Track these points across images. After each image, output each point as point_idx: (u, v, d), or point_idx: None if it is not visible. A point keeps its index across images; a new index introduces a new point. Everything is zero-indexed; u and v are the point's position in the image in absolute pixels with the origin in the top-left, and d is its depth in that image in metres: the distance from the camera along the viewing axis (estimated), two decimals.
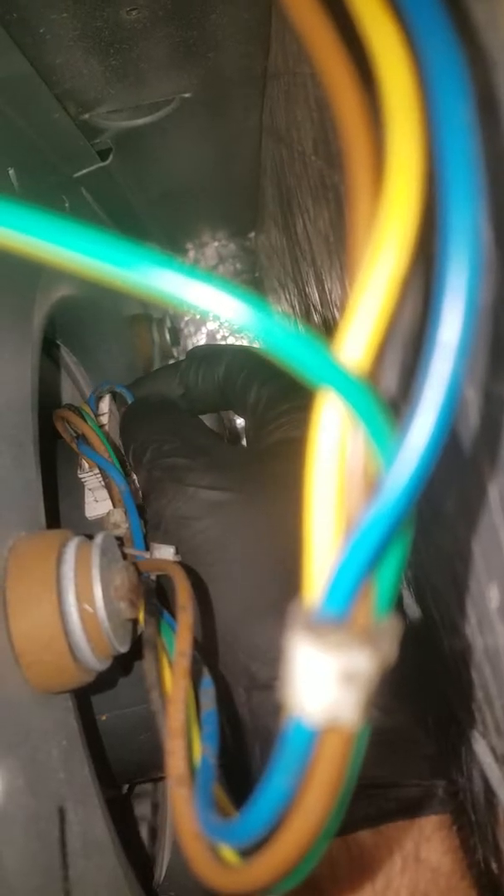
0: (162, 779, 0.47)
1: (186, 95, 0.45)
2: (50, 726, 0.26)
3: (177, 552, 0.30)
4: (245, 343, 0.40)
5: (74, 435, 0.38)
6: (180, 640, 0.22)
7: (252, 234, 0.88)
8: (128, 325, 0.62)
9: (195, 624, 0.22)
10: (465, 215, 0.12)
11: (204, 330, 0.92)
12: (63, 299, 0.44)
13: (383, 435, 0.11)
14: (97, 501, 0.41)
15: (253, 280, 0.90)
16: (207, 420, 0.48)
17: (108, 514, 0.33)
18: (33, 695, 0.25)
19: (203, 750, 0.20)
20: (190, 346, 0.90)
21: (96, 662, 0.26)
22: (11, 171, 0.36)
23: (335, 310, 0.38)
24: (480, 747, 0.29)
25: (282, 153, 0.42)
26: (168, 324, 0.68)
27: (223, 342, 0.89)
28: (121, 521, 0.33)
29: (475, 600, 0.22)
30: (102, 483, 0.39)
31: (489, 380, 0.16)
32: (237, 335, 0.92)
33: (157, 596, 0.28)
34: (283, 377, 0.38)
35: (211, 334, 0.92)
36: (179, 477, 0.33)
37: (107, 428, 0.43)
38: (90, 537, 0.28)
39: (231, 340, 0.92)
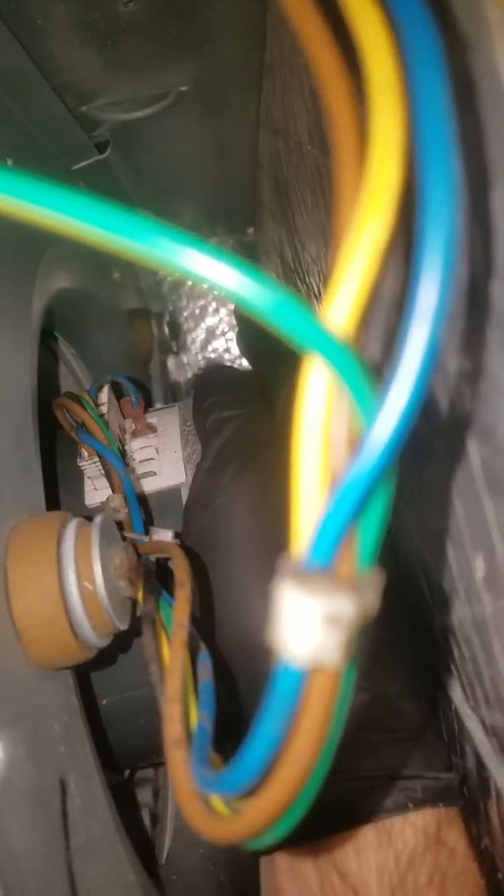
0: (163, 764, 0.48)
1: (183, 88, 0.46)
2: (51, 702, 0.27)
3: (175, 536, 0.31)
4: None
5: (74, 424, 0.39)
6: (178, 613, 0.22)
7: (251, 230, 0.88)
8: (127, 318, 0.63)
9: (193, 599, 0.23)
10: (442, 189, 0.13)
11: (203, 325, 0.92)
12: (61, 291, 0.45)
13: (365, 396, 0.12)
14: (96, 489, 0.42)
15: None
16: None
17: (108, 499, 0.34)
18: (35, 671, 0.26)
19: (199, 717, 0.21)
20: (191, 342, 0.91)
21: (96, 639, 0.26)
22: (10, 162, 0.37)
23: None
24: (472, 723, 0.30)
25: (278, 145, 0.43)
26: (167, 318, 0.68)
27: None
28: (120, 507, 0.33)
29: (462, 571, 0.22)
30: (102, 471, 0.40)
31: (469, 350, 0.17)
32: (227, 301, 0.92)
33: (156, 577, 0.29)
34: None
35: (210, 329, 0.92)
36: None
37: (107, 417, 0.43)
38: (90, 520, 0.28)
39: (230, 334, 0.92)
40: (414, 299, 0.12)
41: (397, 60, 0.14)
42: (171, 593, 0.29)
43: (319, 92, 0.13)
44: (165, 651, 0.24)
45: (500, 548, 0.19)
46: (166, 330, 0.68)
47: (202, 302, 0.91)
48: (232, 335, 0.92)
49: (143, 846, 0.45)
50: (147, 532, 0.32)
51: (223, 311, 0.92)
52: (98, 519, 0.27)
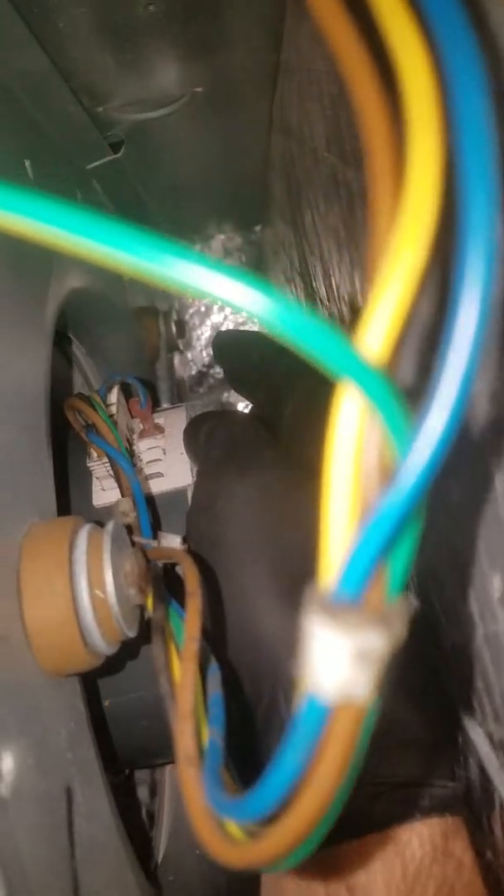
0: (161, 765, 0.48)
1: (198, 90, 0.45)
2: (59, 708, 0.27)
3: (184, 541, 0.30)
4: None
5: (84, 424, 0.39)
6: (189, 625, 0.22)
7: (258, 228, 0.88)
8: (134, 317, 0.63)
9: (204, 610, 0.23)
10: (482, 212, 0.12)
11: (209, 322, 0.92)
12: (74, 291, 0.45)
13: (400, 425, 0.11)
14: (104, 490, 0.42)
15: (260, 275, 0.90)
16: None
17: (117, 503, 0.34)
18: (44, 677, 0.26)
19: (210, 733, 0.21)
20: (196, 339, 0.91)
21: (105, 647, 0.26)
22: (28, 163, 0.37)
23: (343, 305, 0.39)
24: (477, 736, 0.29)
25: (292, 148, 0.43)
26: (174, 316, 0.68)
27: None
28: (129, 510, 0.33)
29: (478, 590, 0.22)
30: (110, 472, 0.40)
31: (497, 373, 0.16)
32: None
33: (164, 583, 0.29)
34: (325, 397, 0.39)
35: (216, 326, 0.92)
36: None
37: (116, 418, 0.43)
38: (101, 525, 0.28)
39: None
40: (452, 326, 0.12)
41: (435, 75, 0.14)
42: (178, 600, 0.28)
43: (352, 105, 0.12)
44: (175, 662, 0.24)
45: None
46: (173, 328, 0.68)
47: (207, 300, 0.91)
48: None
49: (140, 847, 0.45)
50: (155, 536, 0.32)
51: (228, 309, 0.92)
52: (110, 526, 0.27)
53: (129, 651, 0.32)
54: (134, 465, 0.45)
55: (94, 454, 0.40)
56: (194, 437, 0.41)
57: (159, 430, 0.46)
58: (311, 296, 0.49)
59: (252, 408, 0.50)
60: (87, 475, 0.41)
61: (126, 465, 0.35)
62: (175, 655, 0.24)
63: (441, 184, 0.13)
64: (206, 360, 0.92)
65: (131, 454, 0.45)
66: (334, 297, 0.40)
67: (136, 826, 0.44)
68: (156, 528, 0.34)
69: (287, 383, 0.42)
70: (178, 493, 0.42)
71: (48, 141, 0.43)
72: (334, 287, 0.40)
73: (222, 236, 0.89)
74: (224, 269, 0.12)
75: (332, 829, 0.29)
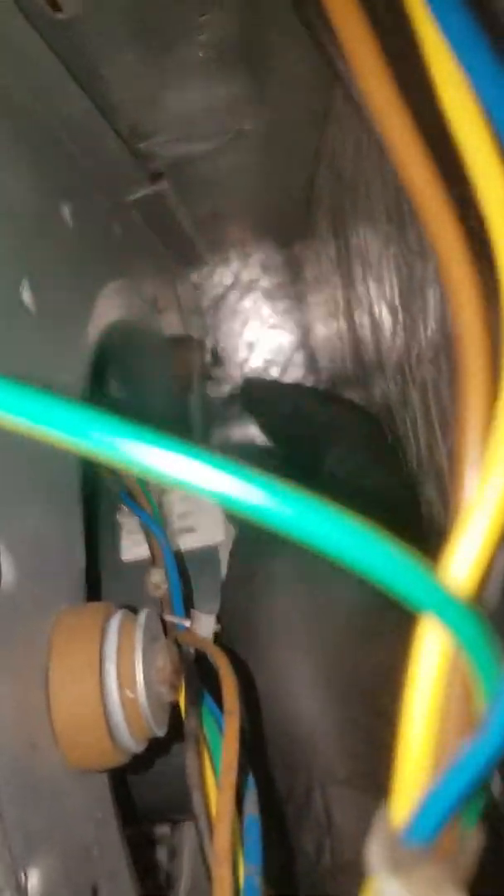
0: (180, 821, 0.47)
1: (245, 127, 0.44)
2: (86, 802, 0.26)
3: (218, 621, 0.29)
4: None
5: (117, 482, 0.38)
6: (227, 751, 0.21)
7: (298, 246, 0.86)
8: (168, 346, 0.62)
9: (243, 732, 0.21)
10: None
11: (242, 340, 0.90)
12: (113, 324, 0.44)
13: (490, 666, 0.10)
14: (135, 545, 0.41)
15: (297, 293, 0.88)
16: (248, 460, 0.47)
17: (149, 573, 0.33)
18: (71, 774, 0.25)
19: (248, 871, 0.19)
20: (228, 359, 0.89)
21: (134, 745, 0.25)
22: (66, 208, 0.36)
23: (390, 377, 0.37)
24: None
25: (342, 196, 0.41)
26: (209, 345, 0.67)
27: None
28: (161, 583, 0.32)
29: None
30: (141, 528, 0.39)
31: None
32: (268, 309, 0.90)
33: (197, 671, 0.27)
34: (367, 449, 0.37)
35: (250, 345, 0.91)
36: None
37: None
38: (132, 609, 0.27)
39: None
40: None
41: None
42: (211, 689, 0.27)
43: (447, 297, 0.11)
44: (209, 775, 0.23)
45: None
46: (207, 358, 0.67)
47: (240, 318, 0.90)
48: (270, 353, 0.90)
49: None
50: (188, 612, 0.31)
51: (262, 323, 0.90)
52: (142, 618, 0.26)
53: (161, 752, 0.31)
54: (164, 517, 0.44)
55: (126, 509, 0.39)
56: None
57: None
58: (354, 347, 0.47)
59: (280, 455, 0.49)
60: (116, 527, 0.40)
61: (159, 532, 0.34)
62: (209, 767, 0.23)
63: None
64: (239, 380, 0.90)
65: (161, 505, 0.43)
66: (381, 355, 0.39)
67: (154, 886, 0.43)
68: (188, 599, 0.33)
69: (325, 436, 0.41)
70: (210, 552, 0.41)
71: (87, 176, 0.42)
72: (385, 350, 0.38)
73: (261, 254, 0.87)
74: (279, 489, 0.10)
75: None
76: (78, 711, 0.24)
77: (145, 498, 0.36)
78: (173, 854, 0.43)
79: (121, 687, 0.24)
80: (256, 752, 0.30)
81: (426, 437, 0.27)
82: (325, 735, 0.29)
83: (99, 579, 0.37)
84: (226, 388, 0.90)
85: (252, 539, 0.35)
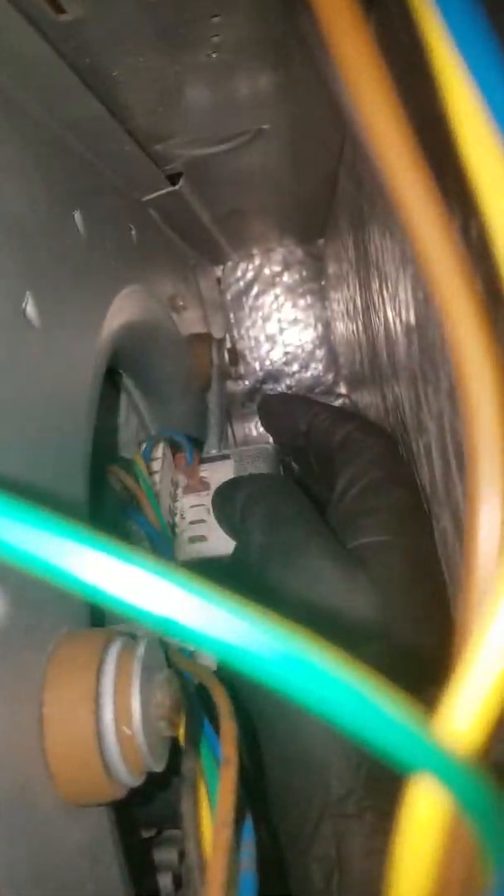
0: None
1: (264, 127, 0.42)
2: (81, 838, 0.25)
3: None
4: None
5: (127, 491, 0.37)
6: (222, 806, 0.20)
7: (321, 241, 0.85)
8: (186, 343, 0.61)
9: (240, 782, 0.20)
10: None
11: (263, 335, 0.89)
12: (127, 324, 0.43)
13: (495, 832, 0.09)
14: (144, 550, 0.40)
15: (319, 289, 0.87)
16: (263, 466, 0.46)
17: None
18: (65, 810, 0.24)
19: None
20: (248, 354, 0.88)
21: (131, 781, 0.24)
22: (77, 215, 0.35)
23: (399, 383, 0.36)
24: None
25: (360, 202, 0.39)
26: (227, 344, 0.66)
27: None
28: None
29: None
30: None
31: None
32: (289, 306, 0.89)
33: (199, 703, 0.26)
34: (382, 468, 0.36)
35: (271, 338, 0.89)
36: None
37: (158, 477, 0.41)
38: (134, 637, 0.26)
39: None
40: None
41: None
42: (211, 717, 0.26)
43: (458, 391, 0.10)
44: (205, 819, 0.22)
45: None
46: (226, 356, 0.66)
47: (262, 313, 0.88)
48: (291, 348, 0.89)
49: None
50: None
51: (283, 319, 0.89)
52: (141, 650, 0.25)
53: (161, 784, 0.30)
54: (176, 523, 0.43)
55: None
56: (228, 507, 0.39)
57: (204, 486, 0.44)
58: (371, 352, 0.46)
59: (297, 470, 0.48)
60: (126, 536, 0.40)
61: (166, 549, 0.33)
62: (205, 808, 0.22)
63: None
64: (260, 375, 0.89)
65: (172, 513, 0.43)
66: (395, 362, 0.38)
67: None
68: None
69: (340, 454, 0.40)
70: (221, 563, 0.40)
71: (100, 179, 0.41)
72: (397, 353, 0.37)
73: (283, 249, 0.86)
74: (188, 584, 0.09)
75: None
76: (73, 748, 0.23)
77: (154, 514, 0.35)
78: (182, 855, 0.42)
79: (117, 723, 0.23)
80: (262, 777, 0.29)
81: (442, 469, 0.26)
82: (339, 766, 0.28)
83: None
84: (246, 385, 0.89)
85: (255, 560, 0.34)
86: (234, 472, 0.45)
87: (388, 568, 0.32)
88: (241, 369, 0.86)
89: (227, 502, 0.39)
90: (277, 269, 0.87)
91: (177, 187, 0.47)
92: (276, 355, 0.89)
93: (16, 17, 0.25)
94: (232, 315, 0.87)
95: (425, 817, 0.09)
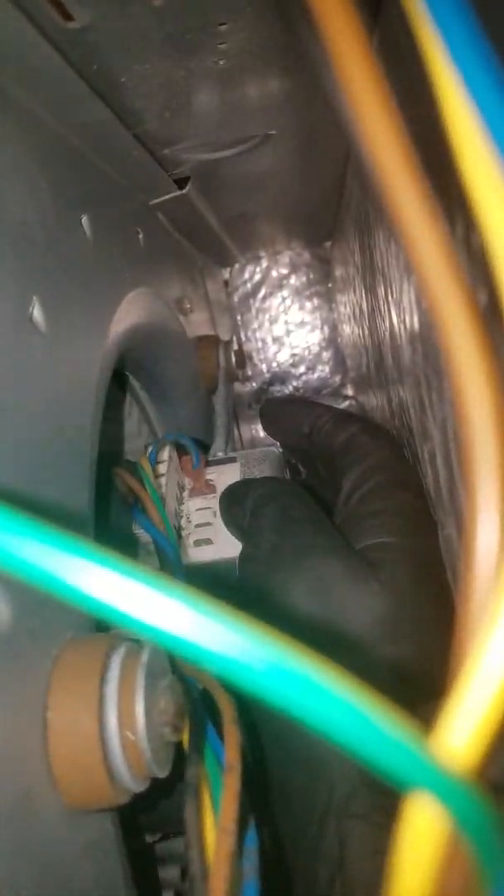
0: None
1: (271, 132, 0.42)
2: (85, 844, 0.25)
3: None
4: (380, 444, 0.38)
5: (132, 495, 0.37)
6: (225, 814, 0.20)
7: (328, 244, 0.85)
8: (193, 345, 0.61)
9: (243, 790, 0.21)
10: None
11: (270, 337, 0.89)
12: (134, 327, 0.43)
13: (496, 855, 0.09)
14: (149, 553, 0.40)
15: (326, 292, 0.87)
16: (269, 469, 0.46)
17: None
18: (69, 816, 0.24)
19: None
20: (255, 355, 0.88)
21: (135, 786, 0.24)
22: (84, 219, 0.35)
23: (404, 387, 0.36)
24: None
25: (368, 211, 0.39)
26: (234, 346, 0.66)
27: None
28: None
29: None
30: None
31: None
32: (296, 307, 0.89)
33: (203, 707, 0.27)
34: (387, 471, 0.36)
35: (278, 340, 0.89)
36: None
37: (164, 480, 0.41)
38: (138, 643, 0.26)
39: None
40: None
41: None
42: (214, 722, 0.26)
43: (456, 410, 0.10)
44: (209, 825, 0.22)
45: None
46: (233, 358, 0.66)
47: (269, 315, 0.88)
48: (298, 350, 0.89)
49: None
50: None
51: (290, 321, 0.89)
52: (145, 656, 0.25)
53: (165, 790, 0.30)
54: (182, 526, 0.43)
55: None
56: (237, 509, 0.39)
57: (210, 488, 0.44)
58: (376, 353, 0.46)
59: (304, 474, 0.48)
60: (132, 542, 0.40)
61: (171, 552, 0.33)
62: (209, 815, 0.22)
63: None
64: (267, 377, 0.89)
65: (178, 516, 0.43)
66: (400, 364, 0.37)
67: None
68: None
69: (343, 456, 0.40)
70: (227, 566, 0.40)
71: (107, 184, 0.41)
72: (402, 357, 0.37)
73: (290, 251, 0.86)
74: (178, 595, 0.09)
75: None
76: (77, 753, 0.23)
77: (159, 516, 0.35)
78: (184, 873, 0.42)
79: (121, 728, 0.23)
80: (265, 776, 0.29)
81: (446, 476, 0.26)
82: (344, 765, 0.28)
83: None
84: (253, 387, 0.89)
85: (264, 558, 0.34)
86: (241, 474, 0.45)
87: (394, 570, 0.32)
88: (248, 371, 0.86)
89: (236, 504, 0.39)
90: (285, 271, 0.87)
91: (184, 191, 0.47)
92: (283, 357, 0.89)
93: (24, 23, 0.25)
94: (239, 317, 0.87)
95: (422, 834, 0.09)
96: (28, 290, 0.28)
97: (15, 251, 0.27)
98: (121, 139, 0.37)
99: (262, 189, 0.55)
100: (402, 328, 0.32)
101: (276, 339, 0.90)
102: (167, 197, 0.48)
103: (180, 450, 0.46)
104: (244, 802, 0.22)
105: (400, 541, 0.33)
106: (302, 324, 0.89)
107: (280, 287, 0.88)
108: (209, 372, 0.62)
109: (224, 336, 0.70)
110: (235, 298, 0.87)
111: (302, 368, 0.90)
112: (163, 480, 0.41)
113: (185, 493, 0.44)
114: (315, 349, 0.89)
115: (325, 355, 0.89)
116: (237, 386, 0.86)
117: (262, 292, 0.88)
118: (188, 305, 0.57)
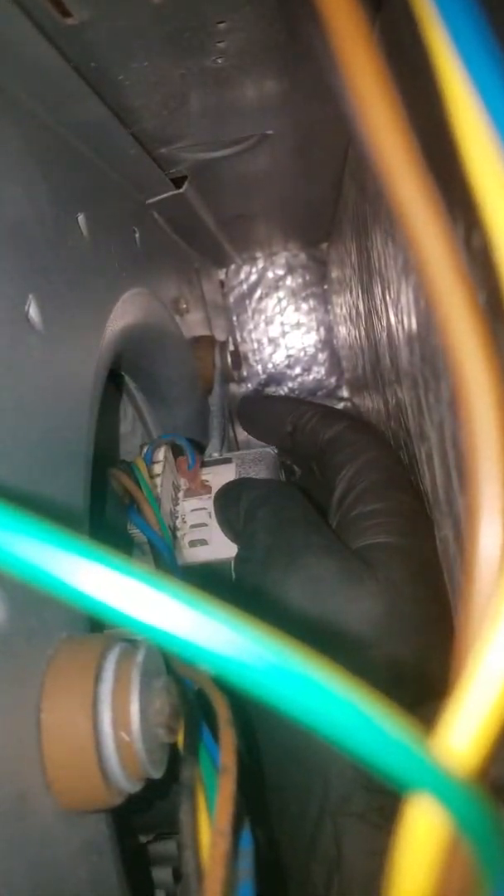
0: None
1: (268, 132, 0.42)
2: (79, 845, 0.25)
3: None
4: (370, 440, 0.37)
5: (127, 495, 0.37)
6: (220, 816, 0.20)
7: (324, 245, 0.85)
8: (189, 346, 0.61)
9: (239, 794, 0.20)
10: None
11: (265, 339, 0.89)
12: (130, 327, 0.43)
13: (494, 855, 0.09)
14: (143, 553, 0.40)
15: (322, 293, 0.87)
16: (264, 470, 0.46)
17: None
18: (63, 818, 0.24)
19: None
20: (251, 356, 0.88)
21: (130, 787, 0.24)
22: (80, 217, 0.35)
23: (402, 385, 0.36)
24: None
25: (365, 210, 0.39)
26: (230, 346, 0.66)
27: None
28: None
29: None
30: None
31: None
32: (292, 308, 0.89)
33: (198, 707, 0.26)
34: (381, 470, 0.36)
35: (274, 341, 0.89)
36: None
37: (159, 480, 0.41)
38: (133, 643, 0.26)
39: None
40: None
41: None
42: (209, 724, 0.26)
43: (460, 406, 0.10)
44: (204, 827, 0.22)
45: None
46: (229, 359, 0.66)
47: (265, 316, 0.88)
48: (294, 351, 0.89)
49: None
50: None
51: (286, 322, 0.89)
52: (140, 656, 0.25)
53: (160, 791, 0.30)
54: (178, 526, 0.43)
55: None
56: (231, 510, 0.39)
57: (206, 489, 0.44)
58: (373, 352, 0.46)
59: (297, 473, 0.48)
60: (128, 541, 0.39)
61: (167, 553, 0.33)
62: (204, 816, 0.22)
63: None
64: (264, 378, 0.89)
65: (174, 516, 0.43)
66: (398, 365, 0.37)
67: None
68: None
69: (331, 453, 0.39)
70: (222, 567, 0.40)
71: (104, 182, 0.41)
72: (399, 357, 0.37)
73: (287, 253, 0.86)
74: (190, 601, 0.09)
75: None
76: (71, 754, 0.23)
77: (155, 518, 0.35)
78: (176, 875, 0.42)
79: (116, 729, 0.23)
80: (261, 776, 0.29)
81: (443, 477, 0.25)
82: (341, 764, 0.28)
83: None
84: (249, 388, 0.89)
85: (259, 559, 0.34)
86: (236, 475, 0.45)
87: (390, 570, 0.32)
88: (244, 372, 0.86)
89: (231, 504, 0.39)
90: (281, 272, 0.87)
91: (181, 190, 0.47)
92: (279, 358, 0.89)
93: (22, 20, 0.25)
94: (235, 318, 0.87)
95: (423, 836, 0.09)
96: (24, 288, 0.28)
97: (11, 249, 0.27)
98: (118, 137, 0.36)
99: (258, 189, 0.55)
100: (400, 329, 0.32)
101: (271, 341, 0.90)
102: (164, 196, 0.47)
103: (176, 450, 0.45)
104: (239, 804, 0.22)
105: (397, 541, 0.33)
106: (298, 325, 0.89)
107: (276, 288, 0.87)
108: (205, 372, 0.62)
109: (220, 336, 0.70)
110: (231, 299, 0.87)
111: (297, 370, 0.90)
112: (158, 481, 0.41)
113: (181, 494, 0.44)
114: (311, 350, 0.89)
115: (321, 357, 0.89)
116: (233, 387, 0.86)
117: (259, 293, 0.88)
118: (184, 305, 0.57)
